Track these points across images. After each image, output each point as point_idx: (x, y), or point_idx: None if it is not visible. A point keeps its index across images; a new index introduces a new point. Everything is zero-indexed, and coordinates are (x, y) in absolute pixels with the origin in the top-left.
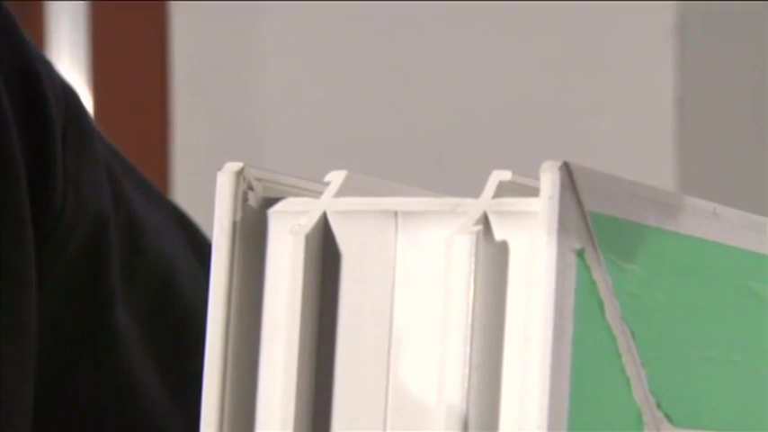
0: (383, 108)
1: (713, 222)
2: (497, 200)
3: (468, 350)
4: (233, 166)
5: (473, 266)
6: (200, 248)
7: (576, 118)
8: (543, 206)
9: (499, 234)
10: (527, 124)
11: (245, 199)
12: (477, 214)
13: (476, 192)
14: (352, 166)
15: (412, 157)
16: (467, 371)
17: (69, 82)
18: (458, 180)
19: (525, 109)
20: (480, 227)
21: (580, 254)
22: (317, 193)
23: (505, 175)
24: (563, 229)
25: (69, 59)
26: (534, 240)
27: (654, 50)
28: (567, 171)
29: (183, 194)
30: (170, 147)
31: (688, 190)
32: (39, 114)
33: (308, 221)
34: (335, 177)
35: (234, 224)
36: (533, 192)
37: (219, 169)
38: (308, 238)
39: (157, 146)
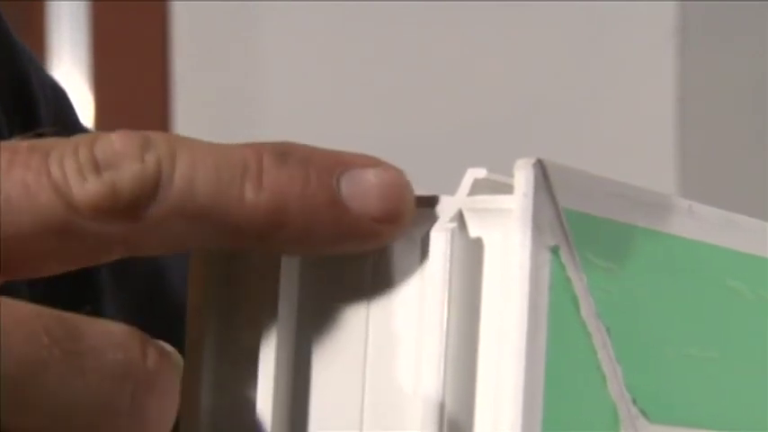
0: (383, 108)
1: (689, 220)
2: (472, 197)
3: (443, 347)
4: None
5: (448, 263)
6: None
7: (577, 118)
8: (517, 203)
9: (474, 231)
10: (528, 124)
11: None
12: (452, 211)
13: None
14: None
15: (412, 157)
16: (442, 368)
17: (57, 81)
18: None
19: (526, 109)
20: (455, 224)
21: (554, 251)
22: None
23: (480, 172)
24: (537, 226)
25: (70, 59)
26: (508, 237)
27: (655, 50)
28: (542, 168)
29: None
30: None
31: (688, 189)
32: (28, 115)
33: None
34: None
35: None
36: (508, 189)
37: None
38: None
39: None
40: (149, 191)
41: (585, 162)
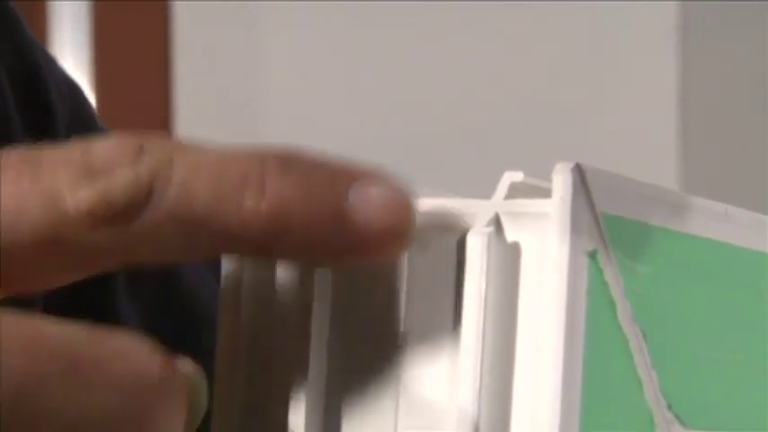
0: (384, 108)
1: (724, 223)
2: (509, 201)
3: (479, 351)
4: None
5: (485, 268)
6: None
7: (579, 117)
8: (555, 207)
9: (511, 235)
10: (530, 123)
11: None
12: (489, 215)
13: (480, 191)
14: None
15: (413, 157)
16: (479, 372)
17: (72, 77)
18: (460, 179)
19: (528, 108)
20: (492, 228)
21: (592, 255)
22: None
23: (517, 176)
24: (575, 230)
25: (72, 59)
26: (546, 242)
27: (657, 50)
28: (580, 172)
29: None
30: None
31: (690, 188)
32: (43, 111)
33: None
34: None
35: None
36: (545, 193)
37: None
38: None
39: None
40: (143, 197)
41: (586, 162)
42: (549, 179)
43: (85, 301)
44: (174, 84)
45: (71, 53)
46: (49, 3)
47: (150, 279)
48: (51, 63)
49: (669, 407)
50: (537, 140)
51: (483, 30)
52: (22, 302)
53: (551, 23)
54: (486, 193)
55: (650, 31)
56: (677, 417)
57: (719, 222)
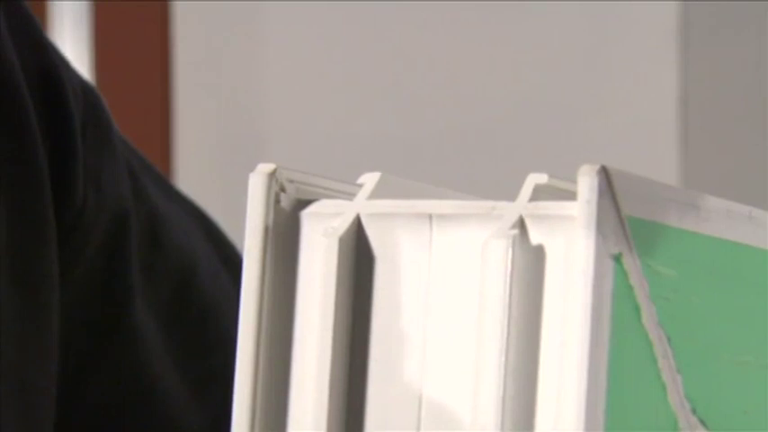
0: (386, 108)
1: (748, 225)
2: (533, 203)
3: (503, 355)
4: (265, 168)
5: (509, 271)
6: (220, 244)
7: (579, 117)
8: (581, 210)
9: (535, 238)
10: (530, 123)
11: (278, 201)
12: (513, 218)
13: (479, 190)
14: (355, 166)
15: (414, 156)
16: (502, 376)
17: (88, 81)
18: (462, 179)
19: (528, 108)
20: (516, 231)
21: (617, 258)
22: (349, 195)
23: (541, 178)
24: (600, 233)
25: (72, 59)
26: (571, 245)
27: (657, 50)
28: (605, 175)
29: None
30: (172, 146)
31: (690, 188)
32: (59, 112)
33: (342, 224)
34: (369, 179)
35: (266, 227)
36: (568, 195)
37: (222, 168)
38: (342, 240)
39: (160, 145)
40: None
41: (586, 162)
42: (572, 181)
43: (102, 304)
44: (174, 84)
45: (71, 53)
46: (49, 3)
47: (165, 277)
48: (66, 64)
49: (693, 411)
50: (537, 140)
51: (483, 30)
52: (40, 306)
53: (551, 23)
54: (490, 193)
55: (650, 32)
56: (701, 421)
57: (743, 225)
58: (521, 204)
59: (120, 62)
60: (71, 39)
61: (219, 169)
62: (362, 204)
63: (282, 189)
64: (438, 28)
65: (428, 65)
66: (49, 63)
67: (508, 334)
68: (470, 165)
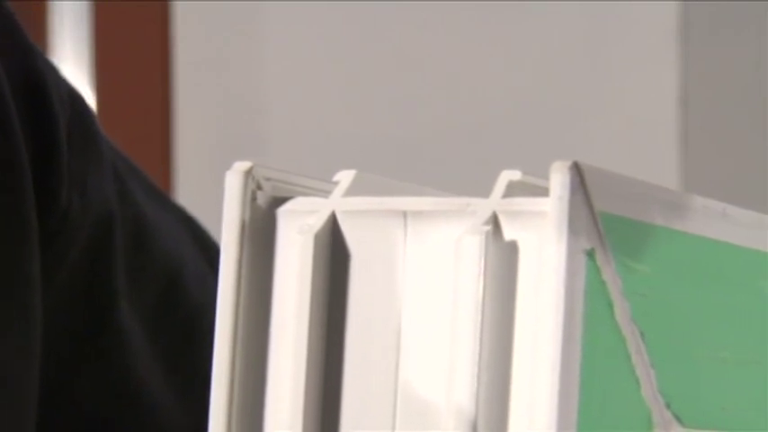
0: (386, 108)
1: (723, 222)
2: (507, 200)
3: (477, 350)
4: (242, 166)
5: (482, 266)
6: (207, 248)
7: (579, 117)
8: (553, 206)
9: (509, 234)
10: (530, 123)
11: (254, 198)
12: (487, 214)
13: (480, 190)
14: (355, 166)
15: (414, 156)
16: (476, 371)
17: (73, 84)
18: (462, 178)
19: (529, 108)
20: (490, 227)
21: (590, 254)
22: (326, 193)
23: (515, 174)
24: (573, 229)
25: (72, 59)
26: (544, 241)
27: (657, 51)
28: (578, 171)
29: (185, 194)
30: (172, 146)
31: (691, 189)
32: (43, 117)
33: (317, 221)
34: (344, 177)
35: (242, 224)
36: (543, 192)
37: (222, 169)
38: (317, 237)
39: (160, 145)
40: None
41: (588, 161)
42: (547, 178)
43: (87, 307)
44: (174, 84)
45: (71, 53)
46: (49, 3)
47: (150, 281)
48: (52, 69)
49: (668, 406)
50: (537, 140)
51: (483, 30)
52: (21, 307)
53: (551, 23)
54: (485, 193)
55: (650, 32)
56: (676, 416)
57: (718, 221)
58: (494, 201)
59: (120, 62)
60: (71, 39)
61: (219, 169)
62: (338, 202)
63: (259, 187)
64: (438, 28)
65: (428, 65)
66: (34, 68)
67: (482, 330)
68: (470, 165)
